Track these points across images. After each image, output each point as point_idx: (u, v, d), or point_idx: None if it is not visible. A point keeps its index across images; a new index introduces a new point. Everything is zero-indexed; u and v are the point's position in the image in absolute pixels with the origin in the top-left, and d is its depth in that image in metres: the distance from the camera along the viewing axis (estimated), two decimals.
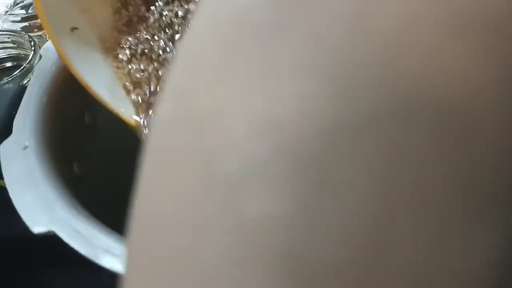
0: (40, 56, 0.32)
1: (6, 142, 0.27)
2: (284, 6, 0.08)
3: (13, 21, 0.52)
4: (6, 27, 0.53)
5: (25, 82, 0.42)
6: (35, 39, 0.46)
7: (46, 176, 0.25)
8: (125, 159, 0.42)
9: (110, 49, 0.31)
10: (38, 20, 0.52)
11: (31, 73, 0.43)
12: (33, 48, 0.44)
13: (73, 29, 0.31)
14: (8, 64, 0.50)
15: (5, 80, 0.42)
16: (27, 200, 0.24)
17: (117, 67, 0.30)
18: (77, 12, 0.31)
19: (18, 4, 0.52)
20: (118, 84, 0.30)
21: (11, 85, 0.41)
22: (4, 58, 0.50)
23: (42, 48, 0.33)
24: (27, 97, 0.30)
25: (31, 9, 0.54)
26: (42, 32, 0.52)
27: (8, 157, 0.26)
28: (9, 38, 0.48)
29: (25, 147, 0.26)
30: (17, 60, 0.50)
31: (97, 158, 0.35)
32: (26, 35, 0.45)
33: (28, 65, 0.42)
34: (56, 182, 0.25)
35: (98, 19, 0.32)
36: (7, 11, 0.51)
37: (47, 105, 0.30)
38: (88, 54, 0.31)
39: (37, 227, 0.23)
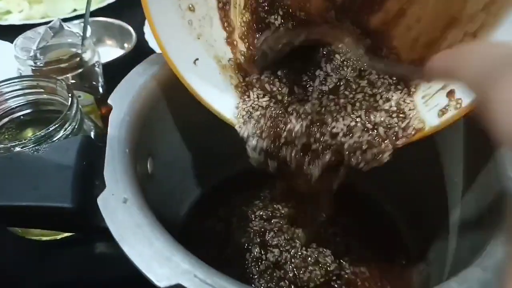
0: (111, 107, 0.33)
1: (104, 195, 0.27)
2: None
3: (32, 66, 0.51)
4: (23, 71, 0.52)
5: (67, 130, 0.42)
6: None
7: (154, 229, 0.25)
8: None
9: (227, 67, 0.35)
10: (62, 65, 0.51)
11: (70, 120, 0.42)
12: (69, 94, 0.43)
13: (195, 60, 0.34)
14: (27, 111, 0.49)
15: (46, 131, 0.40)
16: (144, 254, 0.24)
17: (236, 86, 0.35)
18: (194, 42, 0.34)
19: (39, 49, 0.52)
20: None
21: (54, 134, 0.40)
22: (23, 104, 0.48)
23: (110, 98, 0.33)
24: (110, 148, 0.30)
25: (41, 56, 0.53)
26: (64, 76, 0.52)
27: (110, 211, 0.26)
28: (36, 82, 0.47)
29: (125, 200, 0.27)
30: (37, 106, 0.49)
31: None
32: (62, 82, 0.44)
33: (69, 112, 0.42)
34: (166, 235, 0.25)
35: (210, 40, 0.35)
36: (31, 55, 0.50)
37: (129, 156, 0.30)
38: (210, 78, 0.34)
39: (163, 281, 0.23)
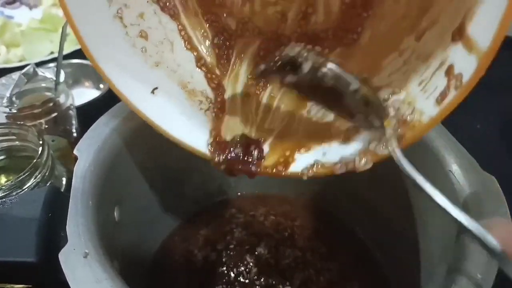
0: (76, 158, 0.33)
1: (65, 249, 0.27)
2: None
3: (5, 112, 0.52)
4: None
5: (37, 178, 0.42)
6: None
7: (114, 284, 0.26)
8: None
9: (195, 92, 0.33)
10: (35, 111, 0.52)
11: (41, 167, 0.43)
12: (40, 142, 0.44)
13: (154, 90, 0.31)
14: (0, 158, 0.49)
15: (16, 180, 0.40)
16: None
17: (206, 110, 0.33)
18: (151, 70, 0.31)
19: (13, 95, 0.52)
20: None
21: (25, 182, 0.41)
22: None
23: (76, 148, 0.34)
24: (73, 201, 0.30)
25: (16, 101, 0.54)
26: (37, 121, 0.52)
27: (71, 266, 0.26)
28: (8, 130, 0.47)
29: (86, 255, 0.27)
30: (10, 152, 0.49)
31: (127, 256, 0.35)
32: (33, 129, 0.45)
33: (39, 159, 0.42)
34: None
35: (173, 66, 0.32)
36: (4, 102, 0.51)
37: (92, 208, 0.30)
38: (174, 106, 0.32)
39: None
